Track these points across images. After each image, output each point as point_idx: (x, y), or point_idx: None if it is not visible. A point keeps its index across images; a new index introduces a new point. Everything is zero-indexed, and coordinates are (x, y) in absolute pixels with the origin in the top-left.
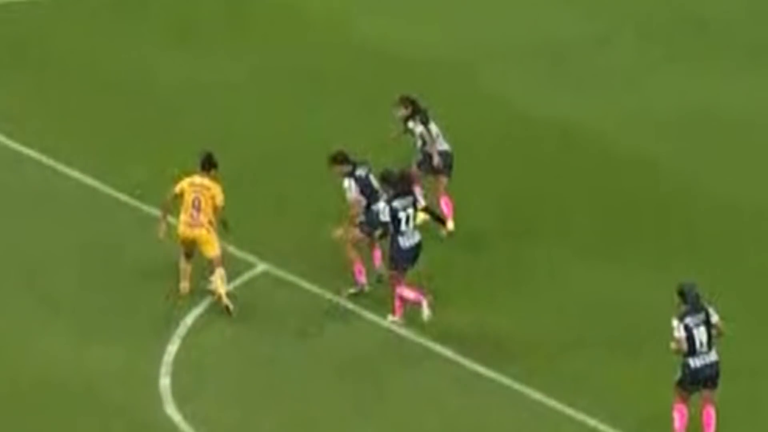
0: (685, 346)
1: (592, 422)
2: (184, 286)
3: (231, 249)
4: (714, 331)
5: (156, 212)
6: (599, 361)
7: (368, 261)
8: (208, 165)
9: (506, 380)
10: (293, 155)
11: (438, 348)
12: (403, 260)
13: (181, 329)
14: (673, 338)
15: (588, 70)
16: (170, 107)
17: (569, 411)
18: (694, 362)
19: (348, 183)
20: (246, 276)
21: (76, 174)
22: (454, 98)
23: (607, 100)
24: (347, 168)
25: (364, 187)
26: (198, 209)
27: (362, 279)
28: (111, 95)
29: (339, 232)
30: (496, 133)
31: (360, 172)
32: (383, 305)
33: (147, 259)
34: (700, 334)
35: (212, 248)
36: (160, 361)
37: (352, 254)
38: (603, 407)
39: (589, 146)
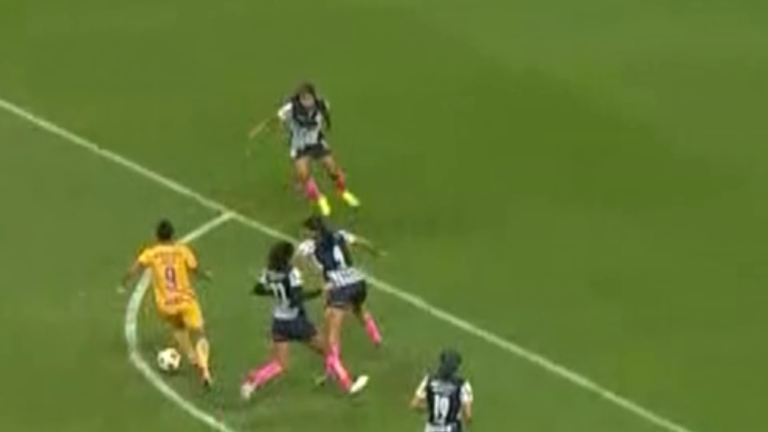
0: (423, 405)
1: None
2: (193, 356)
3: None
4: (460, 410)
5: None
6: (575, 305)
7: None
8: (167, 232)
9: (471, 328)
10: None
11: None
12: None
13: (146, 276)
14: (414, 394)
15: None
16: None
17: (535, 357)
18: (428, 429)
19: (304, 244)
20: (214, 222)
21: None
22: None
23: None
24: (313, 233)
25: (323, 255)
26: (173, 280)
27: (333, 371)
28: None
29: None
30: (460, 81)
31: (323, 240)
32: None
33: (112, 206)
34: (441, 406)
35: (196, 318)
36: (125, 308)
37: (332, 339)
38: (572, 353)
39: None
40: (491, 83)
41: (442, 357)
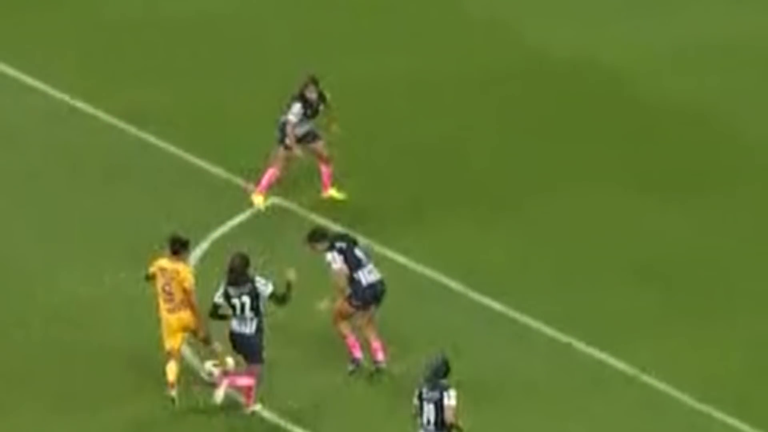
0: (416, 412)
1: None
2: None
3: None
4: (445, 415)
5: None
6: (617, 289)
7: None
8: (177, 249)
9: (509, 311)
10: None
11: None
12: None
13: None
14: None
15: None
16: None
17: (572, 340)
18: None
19: (331, 256)
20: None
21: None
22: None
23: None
24: (325, 244)
25: (349, 257)
26: (170, 294)
27: (358, 353)
28: None
29: (323, 304)
30: (507, 66)
31: (340, 244)
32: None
33: (149, 189)
34: (429, 412)
35: (200, 329)
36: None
37: (344, 329)
38: (611, 336)
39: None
40: (537, 68)
41: (430, 364)
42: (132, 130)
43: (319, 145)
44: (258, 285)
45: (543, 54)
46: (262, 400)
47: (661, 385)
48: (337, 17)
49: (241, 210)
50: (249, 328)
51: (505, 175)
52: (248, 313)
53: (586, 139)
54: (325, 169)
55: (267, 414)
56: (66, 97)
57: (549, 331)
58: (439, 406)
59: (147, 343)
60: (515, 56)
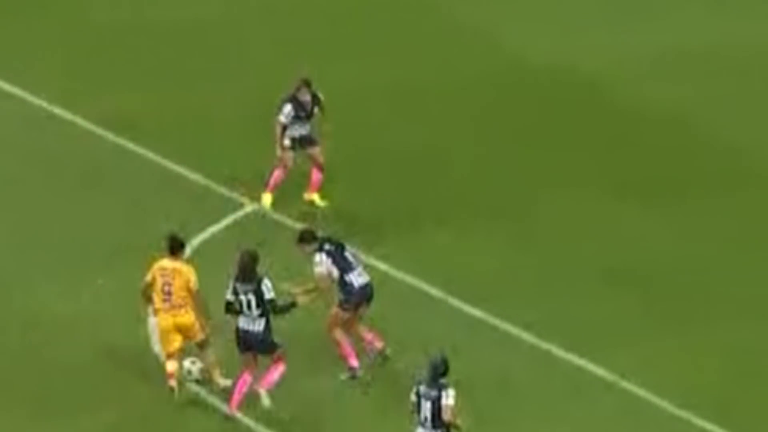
0: (414, 408)
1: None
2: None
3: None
4: (443, 413)
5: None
6: (596, 296)
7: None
8: (175, 248)
9: (489, 318)
10: None
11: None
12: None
13: None
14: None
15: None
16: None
17: (551, 347)
18: (418, 430)
19: (319, 258)
20: (237, 214)
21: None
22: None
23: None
24: (314, 246)
25: (338, 260)
26: (169, 294)
27: (354, 362)
28: None
29: (286, 284)
30: (485, 73)
31: (329, 247)
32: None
33: (126, 195)
34: (425, 409)
35: (195, 332)
36: (136, 300)
37: (339, 336)
38: (590, 343)
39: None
40: (516, 75)
41: (429, 362)
42: (110, 136)
43: (316, 151)
44: (263, 287)
45: (522, 61)
46: (248, 406)
47: (641, 392)
48: (317, 24)
49: (222, 216)
50: (257, 326)
51: (484, 181)
52: (254, 311)
53: (566, 146)
54: (316, 175)
55: (251, 422)
56: (44, 104)
57: (529, 337)
58: (437, 405)
59: (124, 350)
60: (495, 63)
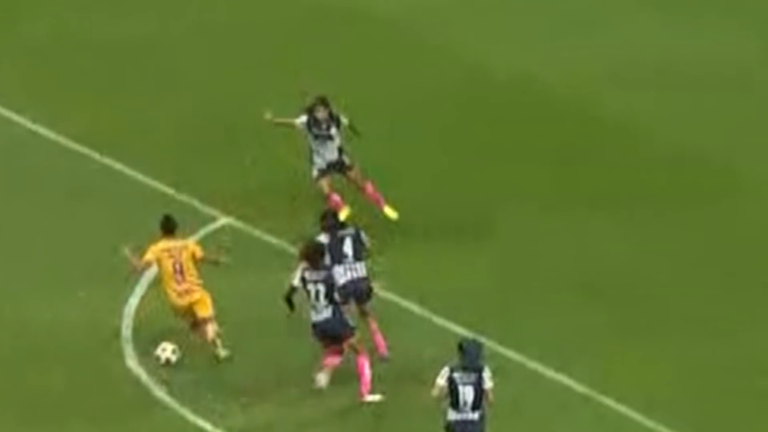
0: (444, 393)
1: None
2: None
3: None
4: (484, 397)
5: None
6: (561, 309)
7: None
8: (170, 227)
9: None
10: None
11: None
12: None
13: (143, 282)
14: (434, 384)
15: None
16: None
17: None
18: (453, 416)
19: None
20: (209, 228)
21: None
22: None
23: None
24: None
25: (334, 250)
26: (182, 273)
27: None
28: None
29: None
30: (445, 88)
31: (341, 232)
32: None
33: (109, 211)
34: (466, 394)
35: (206, 308)
36: (122, 314)
37: None
38: (560, 357)
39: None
40: (476, 90)
41: (460, 347)
42: (90, 153)
43: (352, 174)
44: (334, 273)
45: (481, 74)
46: (223, 415)
47: (615, 405)
48: (266, 41)
49: (192, 231)
50: (326, 314)
51: (447, 197)
52: (323, 301)
53: (526, 159)
54: (370, 192)
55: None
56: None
57: (503, 350)
58: (479, 389)
59: (112, 357)
60: (453, 77)
